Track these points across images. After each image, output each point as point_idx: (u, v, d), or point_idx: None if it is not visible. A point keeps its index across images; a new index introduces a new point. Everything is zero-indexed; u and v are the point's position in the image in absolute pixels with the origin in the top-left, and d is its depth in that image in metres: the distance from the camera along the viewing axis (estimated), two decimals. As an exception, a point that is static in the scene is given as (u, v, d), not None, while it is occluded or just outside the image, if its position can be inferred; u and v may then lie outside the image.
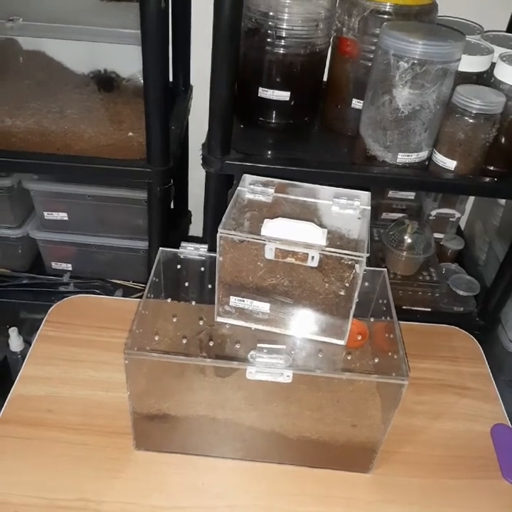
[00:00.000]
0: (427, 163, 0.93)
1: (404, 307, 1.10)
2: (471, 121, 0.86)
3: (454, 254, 1.23)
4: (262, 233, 0.64)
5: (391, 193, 1.20)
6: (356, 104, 0.97)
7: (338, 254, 0.63)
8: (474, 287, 1.13)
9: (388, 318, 0.69)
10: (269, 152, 0.96)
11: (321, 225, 0.65)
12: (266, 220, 0.65)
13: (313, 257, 0.63)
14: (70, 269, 1.18)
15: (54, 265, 1.19)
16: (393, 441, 0.68)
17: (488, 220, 1.26)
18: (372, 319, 0.76)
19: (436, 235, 1.19)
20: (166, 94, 0.84)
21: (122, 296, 1.14)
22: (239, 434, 0.68)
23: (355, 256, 0.63)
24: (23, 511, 0.61)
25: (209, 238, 0.98)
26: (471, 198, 1.32)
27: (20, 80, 1.01)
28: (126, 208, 1.07)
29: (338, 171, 0.90)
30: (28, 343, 1.25)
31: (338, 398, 0.66)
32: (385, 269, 0.74)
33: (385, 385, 0.67)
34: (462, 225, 1.35)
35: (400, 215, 1.19)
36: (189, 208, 1.38)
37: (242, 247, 0.66)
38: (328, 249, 0.63)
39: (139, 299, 0.91)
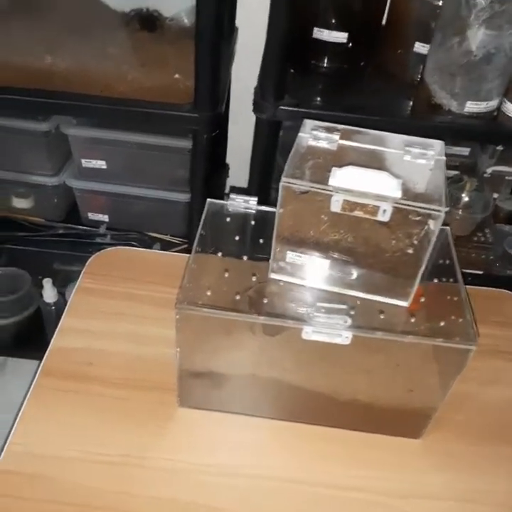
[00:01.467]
0: (495, 113, 0.86)
1: (455, 269, 1.05)
2: (549, 67, 0.79)
3: (508, 215, 1.16)
4: (329, 183, 0.59)
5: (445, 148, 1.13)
6: (419, 47, 0.90)
7: (413, 208, 0.58)
8: (530, 250, 1.08)
9: (448, 279, 0.65)
10: (324, 99, 0.90)
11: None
12: (334, 169, 0.59)
13: (384, 211, 0.58)
14: (107, 220, 1.15)
15: (90, 216, 1.15)
16: (445, 408, 0.65)
17: (545, 180, 1.19)
18: (434, 280, 0.71)
19: (491, 195, 1.12)
20: (218, 34, 0.78)
21: (160, 250, 1.10)
22: (287, 395, 0.66)
23: (433, 210, 0.57)
24: (65, 465, 0.60)
25: (255, 190, 0.94)
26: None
27: (58, 16, 0.95)
28: (167, 158, 1.03)
29: (402, 120, 0.84)
30: (61, 294, 1.23)
31: (397, 362, 0.63)
32: (448, 227, 0.69)
33: (447, 350, 0.63)
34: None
35: (453, 172, 1.12)
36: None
37: (305, 198, 0.61)
38: (403, 202, 0.57)
39: (180, 254, 0.88)
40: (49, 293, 1.20)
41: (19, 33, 0.91)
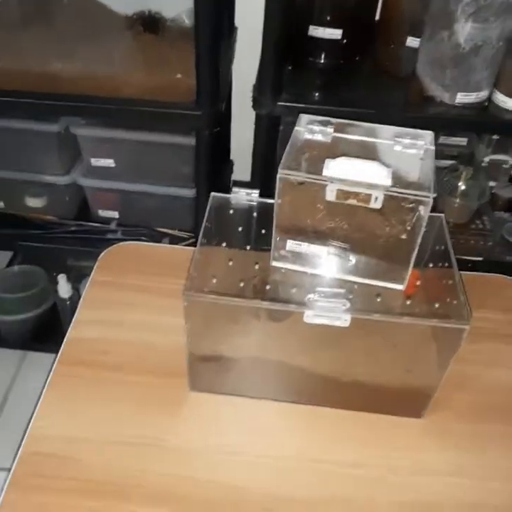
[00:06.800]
0: (486, 104, 0.89)
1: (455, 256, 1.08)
2: (537, 57, 0.82)
3: (506, 202, 1.19)
4: (323, 174, 0.62)
5: (442, 139, 1.15)
6: (411, 42, 0.93)
7: (403, 195, 0.61)
8: (528, 236, 1.10)
9: (444, 265, 0.67)
10: (321, 94, 0.93)
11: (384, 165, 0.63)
12: (327, 160, 0.63)
13: (376, 198, 0.61)
14: (117, 216, 1.19)
15: (101, 213, 1.19)
16: (446, 388, 0.67)
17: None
18: (431, 265, 0.74)
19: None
20: (217, 33, 0.81)
21: (168, 244, 1.14)
22: (292, 378, 0.68)
23: (421, 196, 0.61)
24: (86, 448, 0.63)
25: (258, 183, 0.98)
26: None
27: (66, 23, 0.99)
28: (173, 155, 1.06)
29: (396, 113, 0.87)
30: (75, 289, 1.28)
31: (394, 343, 0.66)
32: (443, 214, 0.72)
33: (443, 331, 0.66)
34: None
35: (451, 162, 1.14)
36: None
37: (302, 188, 0.65)
38: (393, 189, 0.61)
39: (188, 247, 0.92)
40: (64, 288, 1.25)
41: (30, 41, 0.94)
